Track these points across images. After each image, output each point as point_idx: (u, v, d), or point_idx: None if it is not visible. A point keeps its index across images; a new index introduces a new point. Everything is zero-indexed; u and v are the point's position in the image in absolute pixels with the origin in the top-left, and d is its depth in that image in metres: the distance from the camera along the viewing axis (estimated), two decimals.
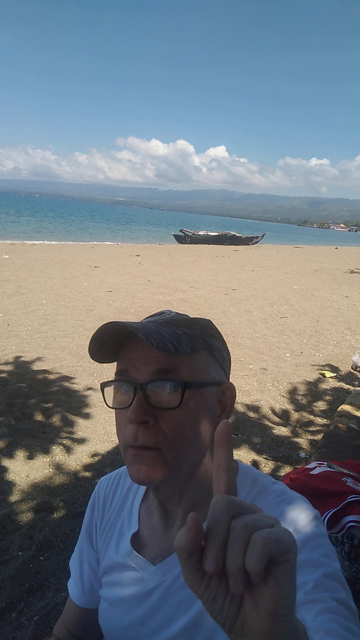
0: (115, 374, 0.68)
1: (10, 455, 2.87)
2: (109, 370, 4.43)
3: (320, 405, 4.03)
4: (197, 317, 0.73)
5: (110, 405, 0.69)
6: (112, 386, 0.69)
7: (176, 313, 0.73)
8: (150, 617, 0.72)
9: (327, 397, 4.21)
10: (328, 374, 4.84)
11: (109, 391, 0.69)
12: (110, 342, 0.67)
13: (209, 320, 0.74)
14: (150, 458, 0.64)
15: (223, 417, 0.70)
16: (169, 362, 0.64)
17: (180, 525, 0.72)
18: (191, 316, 0.73)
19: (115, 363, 0.70)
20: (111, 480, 0.88)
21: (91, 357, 0.70)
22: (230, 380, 0.75)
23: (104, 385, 0.69)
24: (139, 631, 0.74)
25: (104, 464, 2.90)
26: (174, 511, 0.73)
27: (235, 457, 0.72)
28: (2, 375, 4.14)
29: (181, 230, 28.86)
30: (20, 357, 4.67)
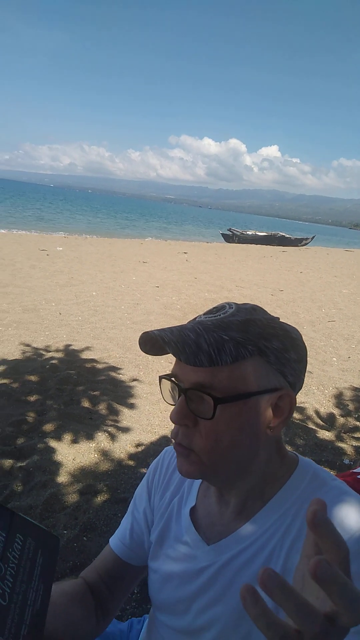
0: (170, 372, 0.71)
1: (58, 438, 2.98)
2: (155, 363, 4.50)
3: None
4: (259, 317, 0.69)
5: (165, 399, 0.73)
6: (165, 380, 0.72)
7: (236, 309, 0.69)
8: (200, 594, 0.75)
9: None
10: None
11: (165, 385, 0.72)
12: (152, 342, 0.70)
13: (273, 318, 0.71)
14: (187, 456, 0.68)
15: (279, 424, 0.68)
16: (205, 375, 0.63)
17: (234, 511, 0.74)
18: (251, 313, 0.70)
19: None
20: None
21: (144, 352, 0.73)
22: None
23: (161, 378, 0.72)
24: (188, 606, 0.77)
25: (147, 454, 2.97)
26: (229, 497, 0.75)
27: None
28: (53, 361, 4.30)
29: (229, 229, 28.69)
30: (70, 345, 4.84)
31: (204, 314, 0.71)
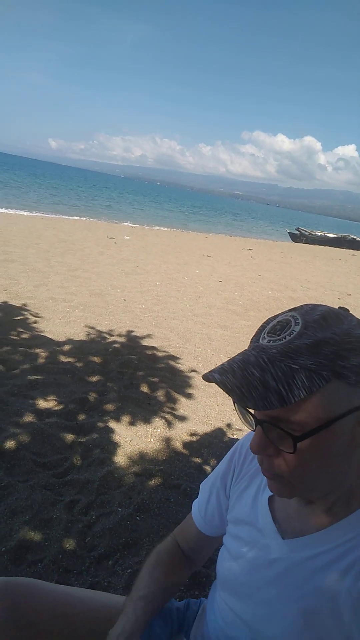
0: None
1: (117, 419, 3.06)
2: (214, 357, 4.50)
3: None
4: (332, 331, 0.59)
5: (242, 421, 0.69)
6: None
7: (303, 323, 0.60)
8: (268, 585, 0.73)
9: None
10: None
11: (240, 408, 0.68)
12: None
13: (348, 329, 0.60)
14: (279, 484, 0.66)
15: None
16: (283, 410, 0.58)
17: (317, 512, 0.71)
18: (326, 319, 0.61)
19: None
20: None
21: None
22: None
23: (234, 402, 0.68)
24: (252, 593, 0.76)
25: (201, 444, 2.97)
26: (315, 504, 0.73)
27: None
28: (116, 345, 4.42)
29: (297, 229, 27.97)
30: (133, 331, 4.94)
31: (267, 334, 0.63)
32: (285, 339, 0.59)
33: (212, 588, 0.92)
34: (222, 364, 0.64)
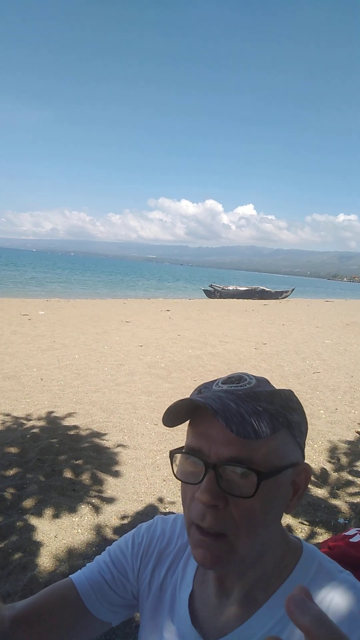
0: (187, 446, 0.64)
1: (39, 514, 2.83)
2: (139, 426, 4.39)
3: None
4: (278, 388, 0.66)
5: (177, 476, 0.64)
6: (178, 455, 0.65)
7: (256, 381, 0.66)
8: None
9: None
10: None
11: (181, 460, 0.65)
12: (184, 410, 0.64)
13: (290, 391, 0.67)
14: (218, 547, 0.60)
15: (295, 500, 0.65)
16: (245, 448, 0.59)
17: (235, 603, 0.67)
18: (265, 384, 0.67)
19: (186, 427, 0.66)
20: (169, 524, 0.82)
21: (164, 424, 0.67)
22: None
23: (173, 453, 0.65)
24: None
25: (133, 526, 2.81)
26: (231, 587, 0.68)
27: None
28: (34, 430, 4.17)
29: (210, 285, 29.28)
30: (52, 412, 4.71)
31: (222, 383, 0.66)
32: (245, 386, 0.63)
33: None
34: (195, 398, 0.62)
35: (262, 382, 0.67)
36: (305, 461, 0.67)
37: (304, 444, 0.67)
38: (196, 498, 0.60)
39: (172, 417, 0.64)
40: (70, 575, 0.79)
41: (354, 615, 0.58)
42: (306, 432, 0.68)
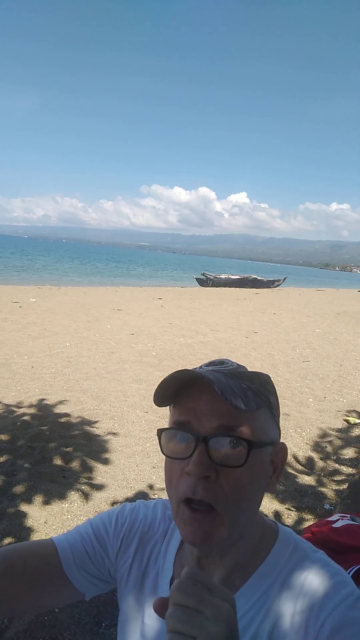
0: (174, 422, 0.65)
1: (29, 500, 2.85)
2: (130, 414, 4.42)
3: (346, 453, 3.91)
4: (256, 371, 0.71)
5: (165, 453, 0.65)
6: (166, 433, 0.66)
7: (237, 364, 0.71)
8: None
9: (354, 445, 4.08)
10: (353, 420, 4.70)
11: (169, 437, 0.66)
12: (172, 387, 0.65)
13: (267, 375, 0.71)
14: (207, 522, 0.61)
15: (274, 478, 0.68)
16: (234, 419, 0.61)
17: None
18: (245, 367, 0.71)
19: (170, 408, 0.68)
20: (150, 509, 0.82)
21: (155, 400, 0.67)
22: None
23: (161, 432, 0.66)
24: None
25: None
26: (212, 571, 0.69)
27: None
28: (25, 417, 4.18)
29: (203, 274, 29.25)
30: (43, 399, 4.72)
31: (206, 365, 0.70)
32: (227, 368, 0.68)
33: None
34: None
35: (242, 366, 0.71)
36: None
37: (279, 426, 0.72)
38: (187, 471, 0.61)
39: (164, 392, 0.65)
40: (52, 537, 0.80)
41: (327, 591, 0.61)
42: (279, 417, 0.72)
